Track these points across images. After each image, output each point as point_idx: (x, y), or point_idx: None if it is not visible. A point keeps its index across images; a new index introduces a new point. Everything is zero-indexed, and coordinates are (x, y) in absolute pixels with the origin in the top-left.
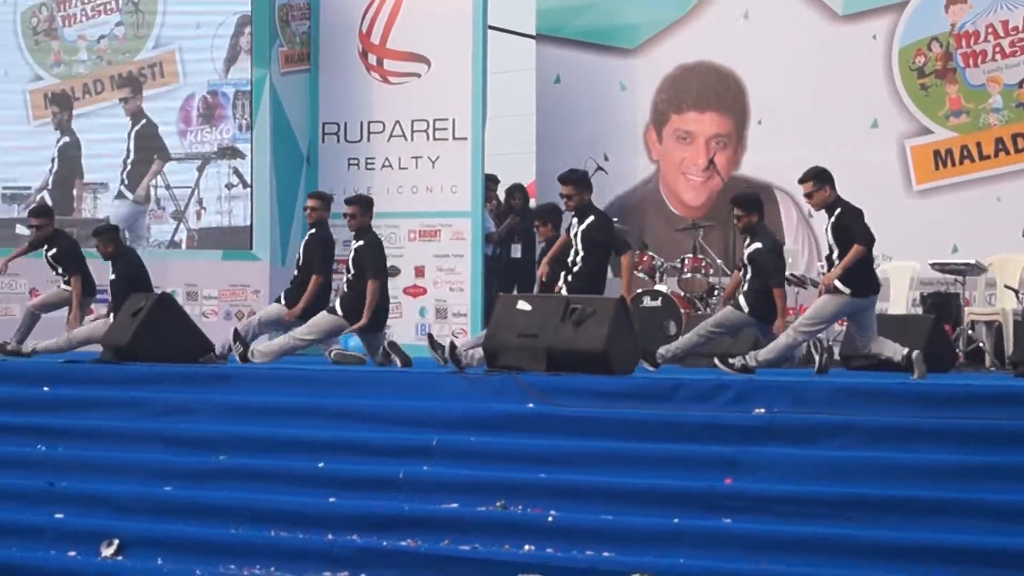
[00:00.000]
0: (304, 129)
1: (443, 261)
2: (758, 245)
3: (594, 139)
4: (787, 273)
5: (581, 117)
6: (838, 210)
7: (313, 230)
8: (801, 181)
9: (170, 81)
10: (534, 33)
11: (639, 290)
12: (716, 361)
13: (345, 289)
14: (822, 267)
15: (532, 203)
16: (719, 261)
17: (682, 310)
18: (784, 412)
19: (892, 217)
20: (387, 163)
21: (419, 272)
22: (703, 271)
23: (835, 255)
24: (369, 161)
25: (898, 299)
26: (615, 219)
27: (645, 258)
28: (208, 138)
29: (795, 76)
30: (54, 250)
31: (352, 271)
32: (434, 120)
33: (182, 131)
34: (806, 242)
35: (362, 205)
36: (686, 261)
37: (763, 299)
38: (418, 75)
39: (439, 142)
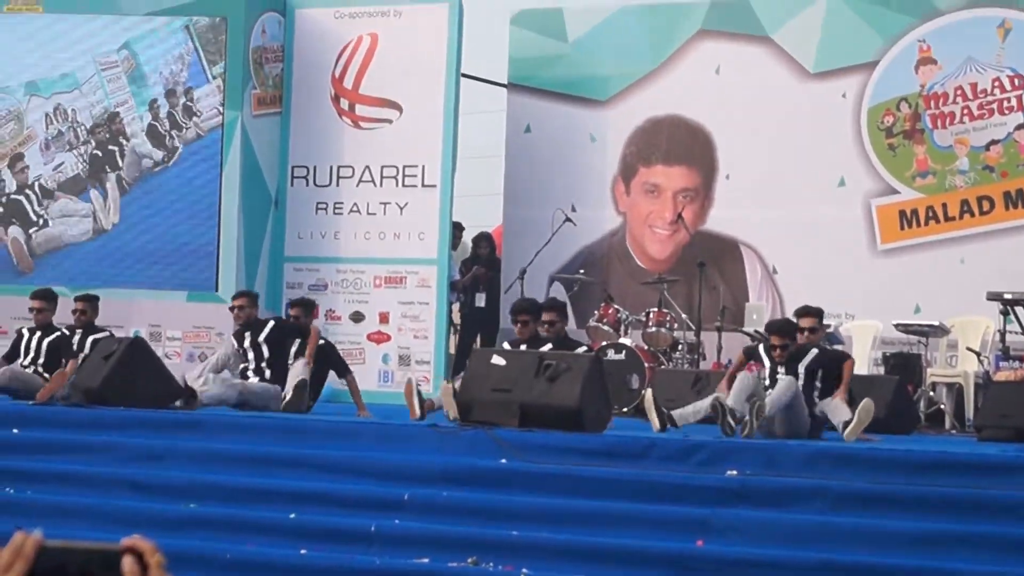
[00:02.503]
0: (273, 171)
1: (408, 308)
2: None
3: (562, 189)
4: (751, 330)
5: (550, 167)
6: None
7: (273, 322)
8: (807, 315)
9: None
10: (506, 82)
11: (603, 343)
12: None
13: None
14: None
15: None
16: (684, 316)
17: (646, 364)
18: (757, 475)
19: (856, 276)
20: (355, 208)
21: (383, 318)
22: (668, 325)
23: (817, 392)
24: (337, 206)
25: (860, 359)
26: (581, 271)
27: (610, 311)
28: None
29: (764, 132)
30: None
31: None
32: (403, 167)
33: None
34: (770, 298)
35: (307, 307)
36: (651, 315)
37: None
38: (389, 121)
39: (408, 188)
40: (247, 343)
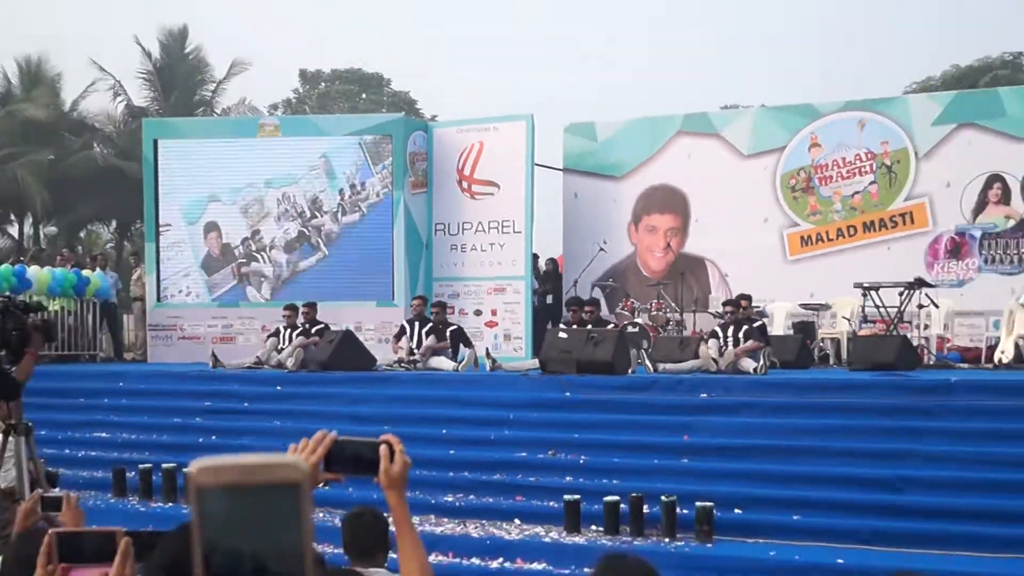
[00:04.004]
0: (424, 226)
1: (508, 306)
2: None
3: (598, 231)
4: (713, 311)
5: (590, 218)
6: (758, 323)
7: (430, 324)
8: (742, 297)
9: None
10: (562, 167)
11: (625, 322)
12: None
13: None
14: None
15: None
16: (672, 304)
17: (651, 334)
18: (718, 396)
19: (775, 276)
20: (474, 247)
21: (494, 312)
22: (663, 310)
23: (731, 340)
24: (463, 246)
25: (779, 326)
26: (610, 280)
27: (628, 303)
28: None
29: (719, 192)
30: None
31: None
32: (501, 221)
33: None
34: (724, 292)
35: (443, 306)
36: (653, 304)
37: None
38: (492, 193)
39: (505, 234)
40: (416, 328)
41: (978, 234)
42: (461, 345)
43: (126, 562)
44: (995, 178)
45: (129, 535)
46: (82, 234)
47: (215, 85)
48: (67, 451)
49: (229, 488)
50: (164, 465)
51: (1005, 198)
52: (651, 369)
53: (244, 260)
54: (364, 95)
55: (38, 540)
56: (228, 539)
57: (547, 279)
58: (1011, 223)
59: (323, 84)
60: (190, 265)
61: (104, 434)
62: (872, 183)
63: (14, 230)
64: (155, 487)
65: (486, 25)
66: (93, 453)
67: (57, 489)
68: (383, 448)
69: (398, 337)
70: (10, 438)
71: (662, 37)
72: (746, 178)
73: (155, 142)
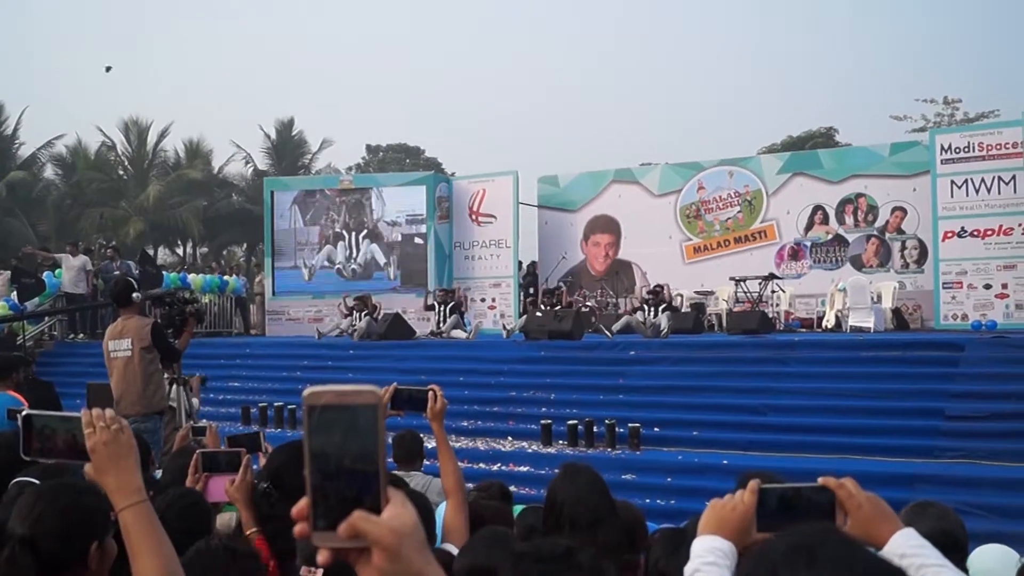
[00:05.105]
0: (447, 244)
1: (502, 295)
2: None
3: (562, 246)
4: (639, 296)
5: (556, 237)
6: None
7: (453, 303)
8: (658, 287)
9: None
10: (536, 203)
11: (580, 304)
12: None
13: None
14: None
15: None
16: (611, 292)
17: (597, 311)
18: (641, 352)
19: (677, 274)
20: (480, 256)
21: (493, 299)
22: (605, 296)
23: (653, 313)
24: (473, 256)
25: (681, 306)
26: (569, 277)
27: (582, 292)
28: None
29: (640, 219)
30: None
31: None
32: (498, 239)
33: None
34: (645, 283)
35: (453, 292)
36: (598, 292)
37: None
38: (491, 222)
39: (500, 248)
40: (440, 308)
41: (809, 244)
42: (466, 316)
43: (247, 472)
44: (818, 207)
45: (240, 438)
46: (224, 253)
47: (311, 155)
48: (211, 395)
49: (328, 406)
50: (275, 404)
51: (824, 220)
52: (609, 335)
53: (327, 266)
54: (408, 160)
55: (189, 456)
56: (326, 442)
57: (528, 277)
58: (829, 236)
59: (381, 153)
60: (291, 271)
61: (236, 383)
62: (739, 212)
63: (180, 250)
64: (269, 418)
65: (489, 105)
66: (228, 396)
67: (204, 421)
68: (430, 393)
69: (428, 308)
70: (174, 386)
71: (599, 115)
72: (657, 210)
73: (272, 193)
